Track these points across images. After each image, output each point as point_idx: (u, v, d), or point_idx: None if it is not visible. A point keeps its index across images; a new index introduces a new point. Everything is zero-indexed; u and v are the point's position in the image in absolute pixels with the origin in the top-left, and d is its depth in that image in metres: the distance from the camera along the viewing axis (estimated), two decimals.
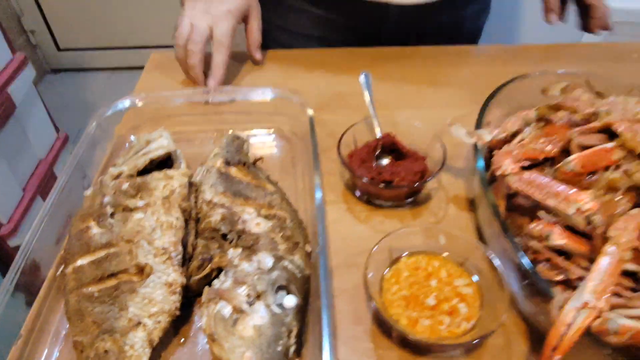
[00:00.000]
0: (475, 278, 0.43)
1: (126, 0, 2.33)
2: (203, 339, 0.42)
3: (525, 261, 0.38)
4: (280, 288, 0.41)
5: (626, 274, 0.38)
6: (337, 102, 0.72)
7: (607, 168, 0.44)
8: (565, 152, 0.47)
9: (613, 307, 0.35)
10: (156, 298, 0.40)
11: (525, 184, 0.42)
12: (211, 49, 0.72)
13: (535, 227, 0.40)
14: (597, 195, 0.42)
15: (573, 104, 0.50)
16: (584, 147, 0.46)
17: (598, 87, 0.61)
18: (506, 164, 0.44)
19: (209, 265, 0.43)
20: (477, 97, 0.57)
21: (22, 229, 1.36)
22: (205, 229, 0.47)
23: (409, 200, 0.55)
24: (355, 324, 0.44)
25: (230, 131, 0.60)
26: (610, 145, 0.45)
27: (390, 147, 0.57)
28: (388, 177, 0.52)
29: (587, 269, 0.37)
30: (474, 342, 0.39)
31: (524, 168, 0.47)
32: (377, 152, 0.57)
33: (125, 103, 0.59)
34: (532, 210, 0.44)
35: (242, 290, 0.39)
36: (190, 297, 0.44)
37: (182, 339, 0.42)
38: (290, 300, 0.40)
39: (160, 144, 0.53)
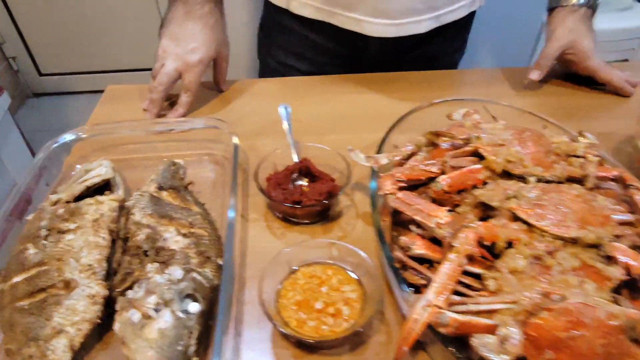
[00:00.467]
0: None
1: (104, 27, 2.42)
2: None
3: (392, 268, 0.45)
4: (187, 296, 0.47)
5: (477, 276, 0.45)
6: (272, 129, 0.79)
7: (475, 186, 0.52)
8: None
9: (453, 304, 0.42)
10: (79, 308, 0.47)
11: (400, 203, 0.50)
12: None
13: (401, 239, 0.47)
14: (463, 210, 0.50)
15: (452, 130, 0.57)
16: (457, 168, 0.53)
17: (493, 112, 0.69)
18: (387, 185, 0.51)
19: (130, 279, 0.50)
20: None
21: None
22: (132, 247, 0.53)
23: (321, 217, 0.62)
24: (260, 327, 0.50)
25: (165, 160, 0.67)
26: (477, 166, 0.53)
27: (306, 171, 0.64)
28: (297, 197, 0.59)
29: None
30: (346, 336, 0.46)
31: (409, 188, 0.54)
32: (294, 176, 0.64)
33: (70, 136, 0.66)
34: (410, 224, 0.51)
35: (152, 299, 0.46)
36: (114, 308, 0.50)
37: (104, 345, 0.48)
38: (195, 307, 0.46)
39: (98, 173, 0.60)
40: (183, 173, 0.67)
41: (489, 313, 0.40)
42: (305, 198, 0.59)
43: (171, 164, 0.67)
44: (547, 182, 0.52)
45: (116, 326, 0.45)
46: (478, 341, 0.38)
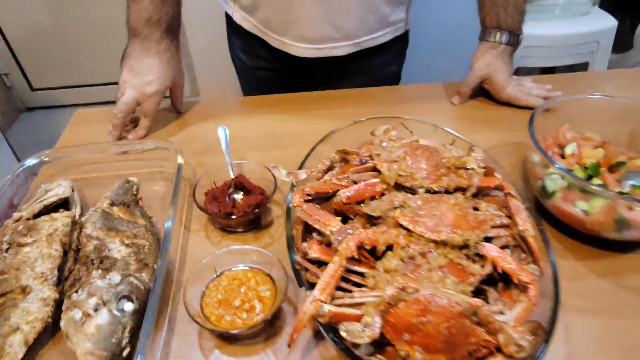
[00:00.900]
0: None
1: (93, 41, 2.51)
2: None
3: (294, 270, 0.54)
4: (124, 297, 0.56)
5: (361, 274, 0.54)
6: (217, 147, 0.87)
7: (373, 198, 0.61)
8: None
9: (335, 299, 0.50)
10: (33, 310, 0.55)
11: (304, 213, 0.58)
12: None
13: (302, 244, 0.56)
14: (357, 219, 0.58)
15: (360, 148, 0.66)
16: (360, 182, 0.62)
17: (411, 128, 0.78)
18: (295, 198, 0.60)
19: (78, 284, 0.59)
20: None
21: None
22: (82, 257, 0.62)
23: (253, 226, 0.71)
24: (189, 322, 0.59)
25: (121, 179, 0.76)
26: (375, 180, 0.61)
27: (241, 185, 0.73)
28: (230, 209, 0.68)
29: None
30: (258, 328, 0.54)
31: (324, 199, 0.63)
32: (230, 190, 0.73)
33: (34, 160, 0.75)
34: (314, 232, 0.59)
35: (92, 300, 0.54)
36: None
37: (56, 340, 0.57)
38: (129, 306, 0.55)
39: (56, 192, 0.69)
40: (136, 189, 0.76)
41: (360, 305, 0.48)
42: (236, 210, 0.68)
43: (125, 182, 0.76)
44: (435, 192, 0.61)
45: (62, 323, 0.54)
46: (344, 327, 0.46)
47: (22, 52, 2.56)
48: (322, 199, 0.63)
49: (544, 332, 0.49)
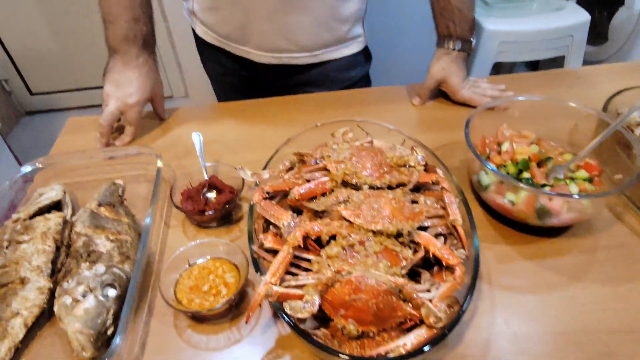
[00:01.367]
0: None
1: (89, 45, 2.60)
2: None
3: (252, 259, 0.63)
4: (108, 285, 0.65)
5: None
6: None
7: (324, 194, 0.69)
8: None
9: (283, 281, 0.59)
10: (30, 297, 0.65)
11: (262, 209, 0.67)
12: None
13: (260, 236, 0.65)
14: (307, 214, 0.67)
15: (315, 151, 0.75)
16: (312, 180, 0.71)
17: (368, 130, 0.86)
18: (256, 195, 0.69)
19: (69, 275, 0.68)
20: None
21: None
22: (73, 251, 0.71)
23: (225, 221, 0.80)
24: (166, 307, 0.68)
25: (108, 181, 0.85)
26: (325, 179, 0.70)
27: (214, 185, 0.82)
28: (202, 207, 0.77)
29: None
30: (222, 309, 0.63)
31: (285, 196, 0.71)
32: (204, 190, 0.82)
33: (29, 168, 0.85)
34: (271, 225, 0.68)
35: (80, 288, 0.64)
36: None
37: (51, 323, 0.67)
38: (112, 292, 0.64)
39: (49, 196, 0.78)
40: (122, 190, 0.85)
41: (303, 286, 0.57)
42: (208, 207, 0.77)
43: (112, 184, 0.85)
44: (378, 188, 0.69)
45: (55, 308, 0.63)
46: (288, 305, 0.55)
47: (20, 58, 2.65)
48: (283, 195, 0.72)
49: (459, 306, 0.57)
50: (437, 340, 0.55)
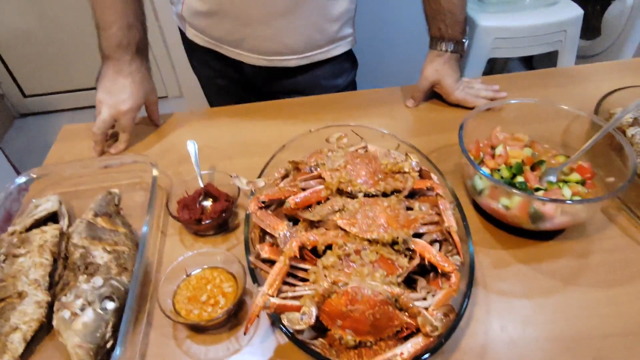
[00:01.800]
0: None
1: (82, 46, 2.58)
2: None
3: (249, 269, 0.63)
4: (106, 297, 0.65)
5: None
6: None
7: (319, 202, 0.70)
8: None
9: (281, 292, 0.60)
10: (29, 311, 0.65)
11: (257, 219, 0.67)
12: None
13: (256, 246, 0.65)
14: (303, 224, 0.67)
15: (309, 158, 0.75)
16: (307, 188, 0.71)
17: (362, 134, 0.86)
18: (251, 205, 0.69)
19: (67, 288, 0.68)
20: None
21: None
22: (70, 263, 0.71)
23: (222, 229, 0.80)
24: (165, 317, 0.68)
25: (103, 191, 0.85)
26: (320, 187, 0.70)
27: (210, 193, 0.82)
28: (199, 216, 0.77)
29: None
30: (221, 319, 0.64)
31: (280, 205, 0.71)
32: (201, 198, 0.82)
33: (23, 178, 0.84)
34: (267, 235, 0.68)
35: (78, 302, 0.64)
36: None
37: (51, 336, 0.67)
38: (111, 305, 0.65)
39: (44, 207, 0.78)
40: (117, 200, 0.85)
41: (300, 297, 0.58)
42: (205, 216, 0.77)
43: (107, 194, 0.85)
44: (373, 196, 0.70)
45: (54, 322, 0.63)
46: (285, 317, 0.55)
47: (12, 60, 2.63)
48: (279, 203, 0.72)
49: (455, 314, 0.58)
50: (434, 348, 0.55)
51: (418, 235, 0.67)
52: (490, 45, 2.00)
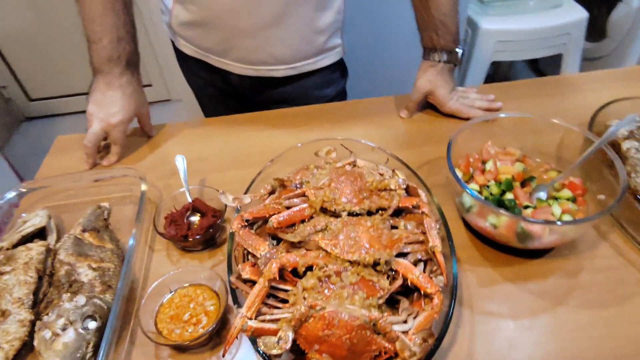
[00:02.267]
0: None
1: (85, 51, 2.59)
2: None
3: (230, 289, 0.63)
4: (88, 317, 0.66)
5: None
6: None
7: (303, 221, 0.69)
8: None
9: (260, 315, 0.59)
10: (11, 330, 0.65)
11: (240, 238, 0.67)
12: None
13: (238, 266, 0.64)
14: (284, 245, 0.67)
15: (294, 176, 0.74)
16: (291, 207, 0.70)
17: (352, 148, 0.85)
18: (235, 223, 0.69)
19: (51, 306, 0.68)
20: None
21: None
22: (55, 281, 0.71)
23: (209, 244, 0.80)
24: None
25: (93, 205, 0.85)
26: (304, 205, 0.69)
27: (197, 209, 0.82)
28: (185, 232, 0.77)
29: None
30: (202, 338, 0.63)
31: (265, 222, 0.71)
32: (188, 213, 0.82)
33: (12, 193, 0.85)
34: (249, 254, 0.68)
35: (60, 321, 0.64)
36: None
37: (33, 356, 0.67)
38: (93, 325, 0.65)
39: (32, 223, 0.79)
40: (107, 214, 0.86)
41: (278, 320, 0.57)
42: (191, 232, 0.77)
43: (97, 208, 0.85)
44: (357, 214, 0.69)
45: (35, 342, 0.64)
46: (261, 341, 0.55)
47: (17, 64, 2.65)
48: (264, 221, 0.72)
49: (435, 339, 0.57)
50: None
51: (403, 255, 0.66)
52: (493, 49, 1.97)
